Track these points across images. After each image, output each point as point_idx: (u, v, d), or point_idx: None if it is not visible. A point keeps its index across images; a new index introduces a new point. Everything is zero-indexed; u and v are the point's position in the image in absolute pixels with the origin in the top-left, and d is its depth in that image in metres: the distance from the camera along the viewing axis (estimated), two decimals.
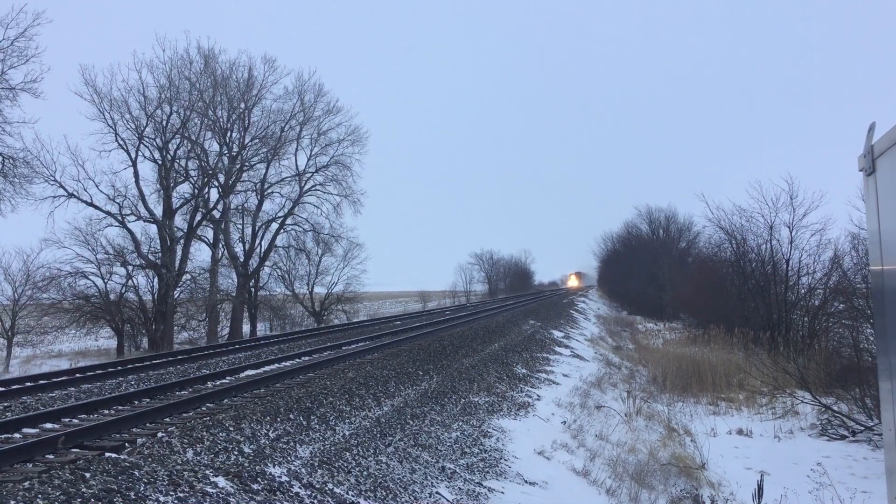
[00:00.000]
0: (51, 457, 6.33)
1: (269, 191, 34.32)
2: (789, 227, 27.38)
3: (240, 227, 34.36)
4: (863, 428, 13.78)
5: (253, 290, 34.53)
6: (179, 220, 29.89)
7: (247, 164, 32.52)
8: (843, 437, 13.85)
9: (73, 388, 11.00)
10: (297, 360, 14.74)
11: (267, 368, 13.22)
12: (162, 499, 5.30)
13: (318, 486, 6.58)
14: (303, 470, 6.90)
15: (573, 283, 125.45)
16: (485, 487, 7.99)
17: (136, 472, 5.77)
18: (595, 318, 47.98)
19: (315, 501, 6.21)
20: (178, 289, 29.03)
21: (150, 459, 6.29)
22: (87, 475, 5.59)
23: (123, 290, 28.03)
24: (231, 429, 7.75)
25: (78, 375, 12.30)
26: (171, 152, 29.34)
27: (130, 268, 28.01)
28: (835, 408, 14.90)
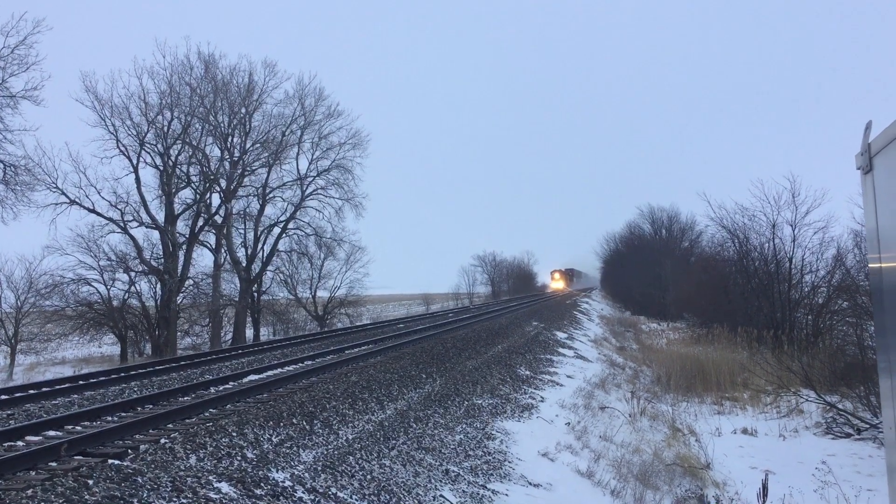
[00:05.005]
0: (54, 464, 6.33)
1: (271, 195, 34.38)
2: (792, 226, 27.40)
3: (242, 231, 34.45)
4: (868, 426, 13.74)
5: (256, 294, 34.53)
6: (181, 226, 29.95)
7: (248, 168, 32.53)
8: (848, 436, 13.82)
9: (76, 396, 11.02)
10: (300, 364, 14.75)
11: (270, 373, 13.23)
12: None
13: (321, 490, 6.58)
14: (306, 475, 6.90)
15: (557, 284, 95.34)
16: (489, 490, 7.98)
17: (140, 479, 5.78)
18: (598, 318, 47.91)
19: None
20: (181, 294, 29.05)
21: (153, 466, 6.30)
22: (91, 482, 5.59)
23: (126, 297, 28.05)
24: (234, 434, 7.75)
25: (81, 382, 12.31)
26: (173, 158, 29.36)
27: (133, 274, 28.05)
28: (839, 406, 14.87)
